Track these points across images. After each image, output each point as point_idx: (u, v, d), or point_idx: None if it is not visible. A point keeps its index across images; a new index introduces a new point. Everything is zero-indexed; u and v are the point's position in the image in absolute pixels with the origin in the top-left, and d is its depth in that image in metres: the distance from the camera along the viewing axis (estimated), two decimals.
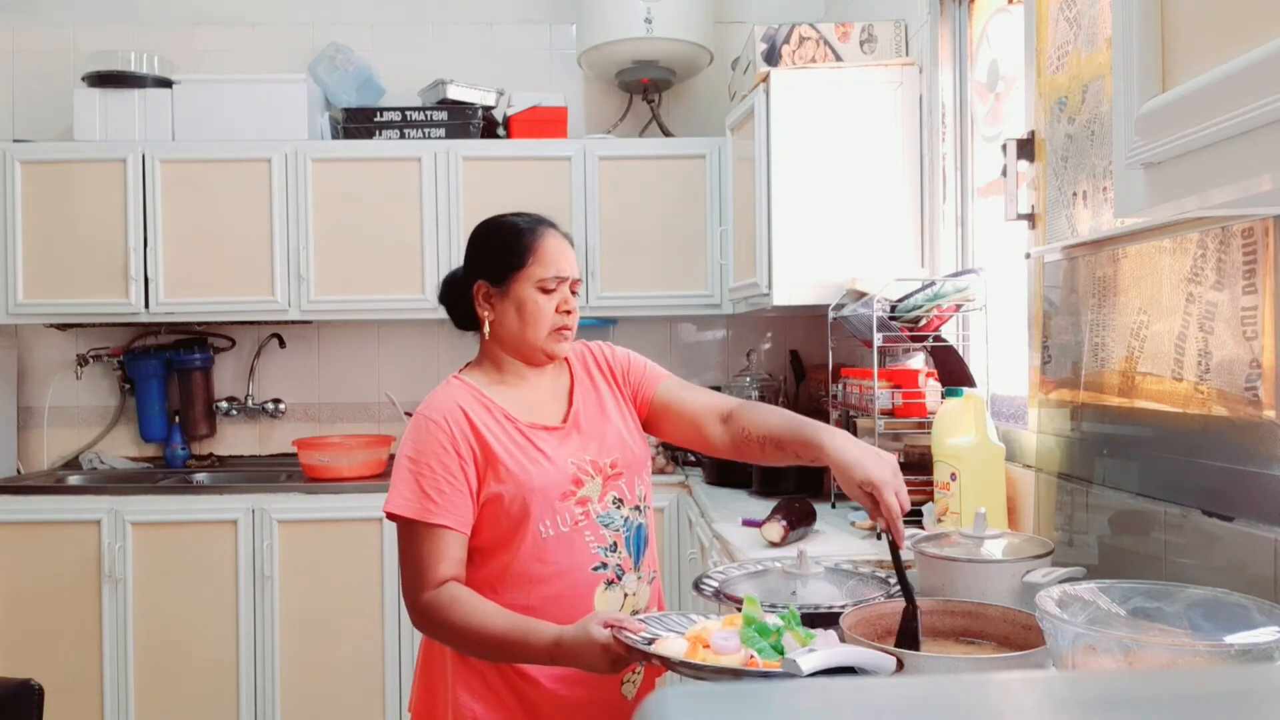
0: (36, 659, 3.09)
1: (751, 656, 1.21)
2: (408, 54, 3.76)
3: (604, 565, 1.50)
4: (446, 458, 1.44)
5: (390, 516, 1.44)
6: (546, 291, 1.53)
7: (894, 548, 1.38)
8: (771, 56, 2.81)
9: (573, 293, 1.57)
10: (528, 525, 1.45)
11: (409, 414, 3.62)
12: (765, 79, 2.69)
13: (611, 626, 1.26)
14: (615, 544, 1.51)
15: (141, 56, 3.42)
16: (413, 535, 1.43)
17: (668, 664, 1.21)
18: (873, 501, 1.41)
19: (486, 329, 1.56)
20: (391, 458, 3.44)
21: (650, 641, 1.24)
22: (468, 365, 1.62)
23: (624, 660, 1.26)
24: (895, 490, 1.38)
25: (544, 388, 1.59)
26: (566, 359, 1.63)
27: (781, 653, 1.21)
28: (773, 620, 1.24)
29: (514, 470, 1.46)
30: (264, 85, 3.43)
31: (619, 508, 1.53)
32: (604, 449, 1.55)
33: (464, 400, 1.50)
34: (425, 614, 1.42)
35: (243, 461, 3.73)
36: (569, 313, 1.55)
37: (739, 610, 1.27)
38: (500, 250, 1.55)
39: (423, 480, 1.43)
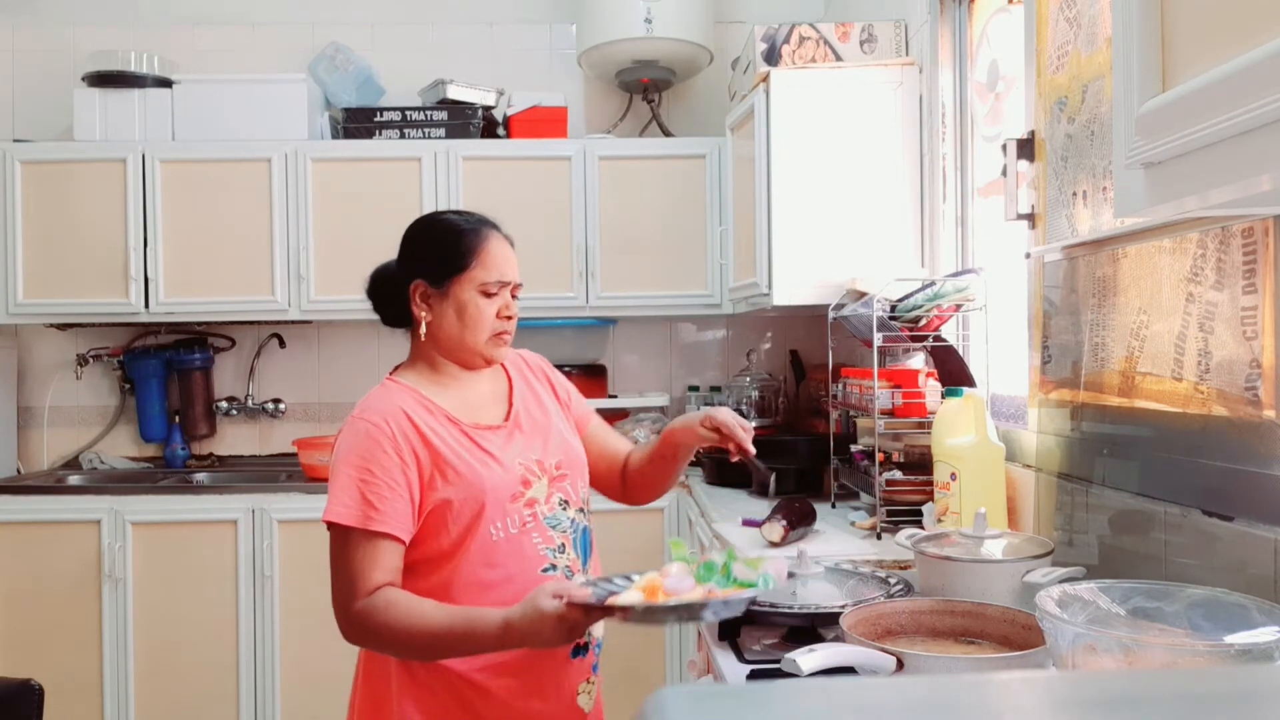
0: (36, 659, 3.09)
1: (710, 589, 1.22)
2: (408, 54, 3.76)
3: (553, 567, 1.46)
4: (389, 463, 1.38)
5: (329, 525, 1.38)
6: (488, 295, 1.49)
7: (744, 454, 1.54)
8: (771, 56, 2.81)
9: (513, 297, 1.53)
10: (477, 529, 1.41)
11: None
12: (765, 79, 2.69)
13: (560, 596, 1.23)
14: (563, 545, 1.48)
15: (141, 56, 3.42)
16: (349, 544, 1.36)
17: (630, 614, 1.19)
18: (720, 434, 1.53)
19: (423, 330, 1.50)
20: None
21: (603, 601, 1.22)
22: (400, 367, 1.56)
23: (580, 627, 1.24)
24: (729, 413, 1.54)
25: (482, 389, 1.55)
26: (502, 363, 1.59)
27: (735, 581, 1.24)
28: (718, 556, 1.28)
29: (464, 472, 1.41)
30: (264, 85, 3.43)
31: (565, 509, 1.51)
32: (548, 449, 1.53)
33: (404, 402, 1.44)
34: (360, 622, 1.34)
35: (243, 461, 3.73)
36: (509, 318, 1.51)
37: (674, 559, 1.30)
38: (441, 250, 1.50)
39: (364, 487, 1.36)
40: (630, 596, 1.22)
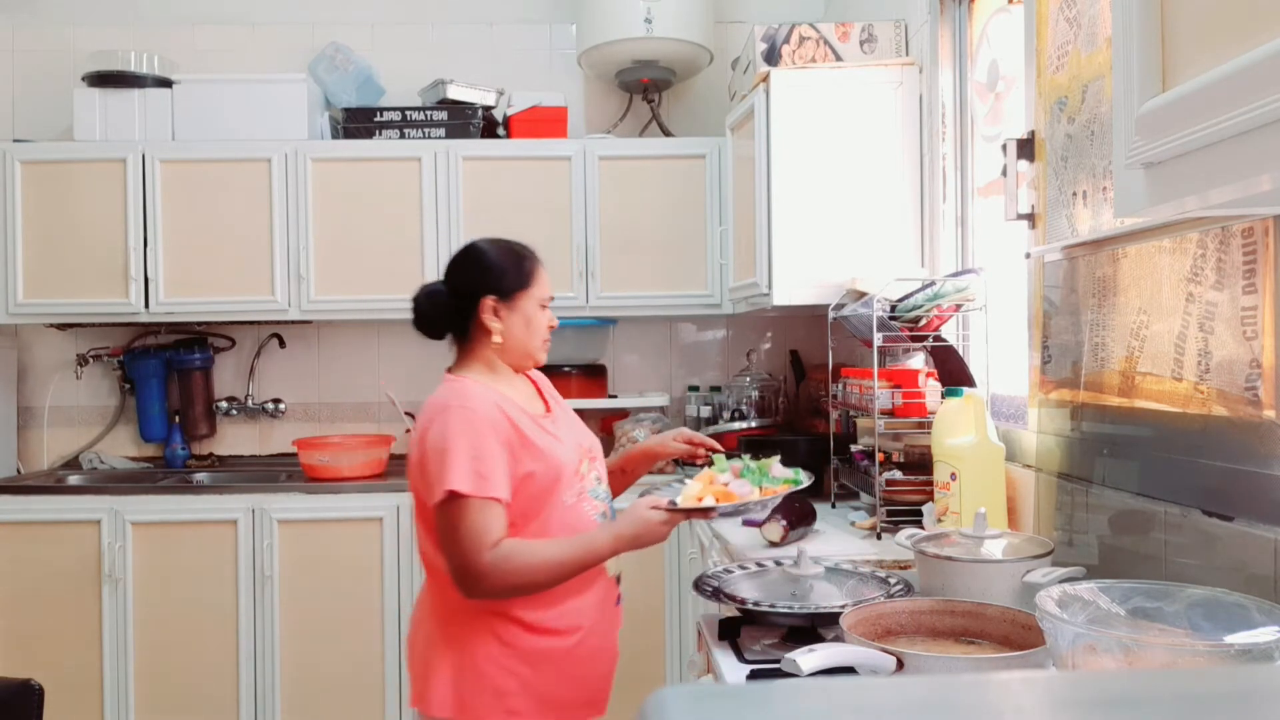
0: (36, 659, 3.09)
1: (764, 488, 1.75)
2: (408, 54, 3.76)
3: None
4: (491, 441, 1.62)
5: (451, 495, 1.57)
6: (543, 307, 1.78)
7: (713, 451, 1.90)
8: (771, 56, 2.81)
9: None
10: (552, 497, 1.67)
11: (409, 414, 3.65)
12: (765, 79, 2.69)
13: (658, 506, 1.65)
14: (604, 513, 1.76)
15: (141, 56, 3.42)
16: (469, 510, 1.57)
17: (713, 514, 1.69)
18: (690, 445, 1.92)
19: (497, 338, 1.74)
20: (391, 457, 3.46)
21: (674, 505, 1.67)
22: (457, 367, 1.78)
23: (675, 524, 1.66)
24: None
25: (521, 388, 1.81)
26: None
27: (776, 480, 1.78)
28: (751, 463, 1.81)
29: (544, 449, 1.67)
30: (264, 85, 3.43)
31: (599, 484, 1.80)
32: (582, 435, 1.81)
33: (489, 394, 1.69)
34: (490, 572, 1.57)
35: (243, 461, 3.73)
36: (552, 327, 1.81)
37: (714, 467, 1.82)
38: (510, 271, 1.75)
39: (475, 463, 1.59)
40: (709, 500, 1.69)
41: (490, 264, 1.75)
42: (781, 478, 1.78)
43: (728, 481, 1.76)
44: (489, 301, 1.72)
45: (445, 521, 1.59)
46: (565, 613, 1.67)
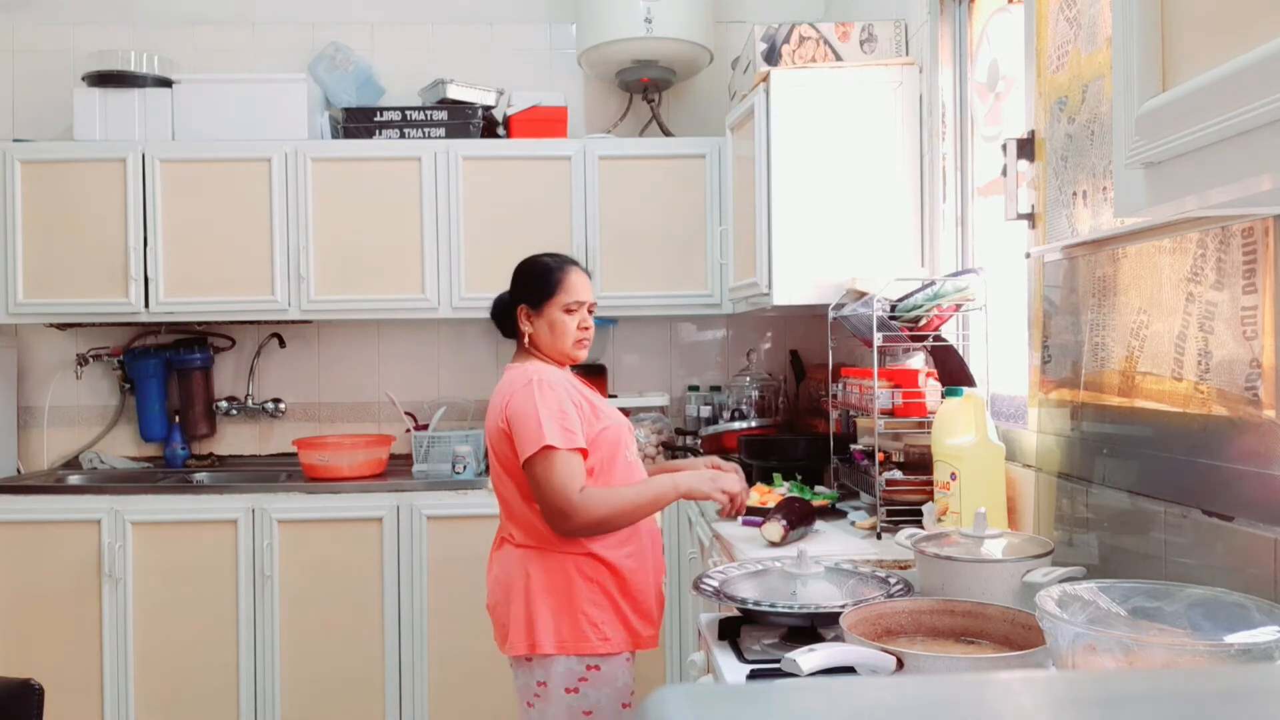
0: (36, 659, 3.09)
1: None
2: (408, 54, 3.76)
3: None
4: (569, 405, 1.94)
5: (546, 449, 1.87)
6: (569, 312, 2.05)
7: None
8: (771, 56, 2.81)
9: (589, 313, 2.09)
10: (619, 453, 2.01)
11: (409, 414, 3.64)
12: (765, 79, 2.69)
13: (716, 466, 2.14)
14: (645, 474, 2.11)
15: (141, 56, 3.41)
16: (559, 462, 1.88)
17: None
18: (717, 470, 2.14)
19: (527, 340, 2.07)
20: (391, 457, 3.46)
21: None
22: (516, 359, 2.10)
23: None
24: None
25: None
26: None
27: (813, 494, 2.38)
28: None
29: (607, 413, 2.04)
30: (264, 85, 3.43)
31: (639, 451, 2.23)
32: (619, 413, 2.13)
33: (557, 371, 2.03)
34: (581, 509, 1.87)
35: (243, 461, 3.73)
36: (586, 328, 2.08)
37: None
38: (537, 282, 2.07)
39: (561, 420, 1.90)
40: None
41: (522, 277, 2.10)
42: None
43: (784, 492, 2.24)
44: (522, 310, 2.07)
45: (542, 471, 1.88)
46: (633, 550, 2.00)
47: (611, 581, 1.97)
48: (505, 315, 2.12)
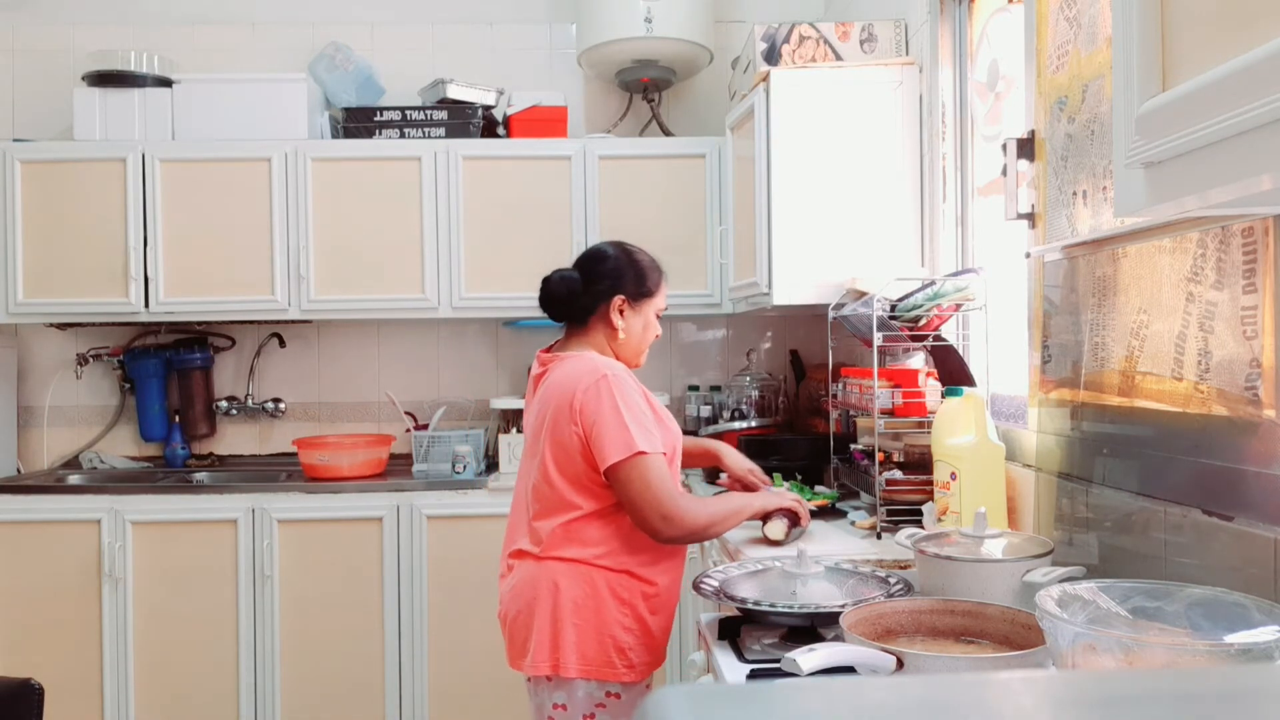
0: (36, 659, 3.09)
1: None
2: (408, 54, 3.76)
3: (688, 488, 2.27)
4: (644, 404, 1.85)
5: (639, 455, 1.77)
6: (658, 317, 2.03)
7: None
8: (771, 56, 2.81)
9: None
10: (675, 462, 1.93)
11: (409, 413, 3.63)
12: (765, 78, 2.69)
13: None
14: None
15: (141, 56, 3.41)
16: (653, 465, 1.79)
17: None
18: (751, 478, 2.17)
19: (621, 334, 1.97)
20: (391, 456, 3.46)
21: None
22: (565, 347, 1.98)
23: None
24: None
25: None
26: None
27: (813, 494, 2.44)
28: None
29: (666, 417, 1.92)
30: (264, 85, 3.43)
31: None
32: None
33: (622, 367, 1.91)
34: (685, 513, 1.79)
35: (243, 461, 3.73)
36: (657, 337, 2.05)
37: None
38: (645, 278, 2.00)
39: (642, 420, 1.81)
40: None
41: (630, 266, 1.98)
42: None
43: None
44: (619, 300, 1.95)
45: (639, 476, 1.78)
46: (668, 566, 1.92)
47: (643, 603, 1.88)
48: (577, 296, 1.96)
